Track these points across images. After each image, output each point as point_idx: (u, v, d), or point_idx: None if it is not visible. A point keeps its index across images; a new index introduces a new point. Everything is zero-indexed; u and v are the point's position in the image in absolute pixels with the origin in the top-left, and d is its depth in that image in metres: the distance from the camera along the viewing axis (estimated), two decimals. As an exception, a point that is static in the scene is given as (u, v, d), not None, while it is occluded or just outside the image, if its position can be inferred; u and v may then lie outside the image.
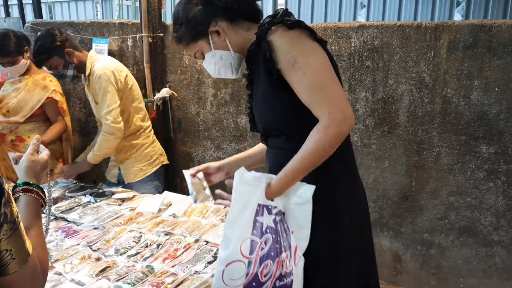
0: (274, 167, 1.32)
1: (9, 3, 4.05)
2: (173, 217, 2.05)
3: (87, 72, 2.37)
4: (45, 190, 1.17)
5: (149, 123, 2.61)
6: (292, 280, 1.18)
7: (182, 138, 3.11)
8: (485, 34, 2.23)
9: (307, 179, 1.22)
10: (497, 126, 2.30)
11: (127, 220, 2.00)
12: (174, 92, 2.97)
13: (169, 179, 2.91)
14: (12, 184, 1.09)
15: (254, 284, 1.12)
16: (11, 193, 0.76)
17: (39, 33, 2.51)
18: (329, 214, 1.28)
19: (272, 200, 1.24)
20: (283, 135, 1.30)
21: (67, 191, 2.37)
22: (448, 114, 2.38)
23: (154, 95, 2.89)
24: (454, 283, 2.56)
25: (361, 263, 1.36)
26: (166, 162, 2.71)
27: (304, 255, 1.25)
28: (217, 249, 1.71)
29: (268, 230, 1.17)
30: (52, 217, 2.06)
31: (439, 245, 2.55)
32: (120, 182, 2.61)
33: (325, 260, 1.28)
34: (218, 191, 1.47)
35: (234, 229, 1.16)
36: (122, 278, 1.51)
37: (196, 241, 1.78)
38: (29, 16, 4.20)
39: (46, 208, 1.28)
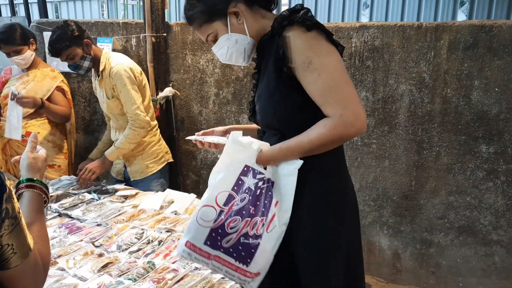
0: None
1: (15, 2, 4.09)
2: (175, 214, 2.07)
3: (101, 68, 2.38)
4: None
5: (155, 122, 2.65)
6: (259, 243, 1.21)
7: (185, 136, 3.13)
8: (485, 35, 2.25)
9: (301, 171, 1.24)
10: (497, 126, 2.31)
11: (129, 217, 2.03)
12: (177, 91, 3.00)
13: (172, 177, 2.94)
14: (17, 181, 1.11)
15: (219, 231, 1.20)
16: (12, 190, 0.78)
17: (51, 29, 2.52)
18: (322, 206, 1.29)
19: (263, 167, 1.27)
20: (279, 133, 1.31)
21: (71, 188, 2.41)
22: (448, 114, 2.39)
23: (157, 94, 2.93)
24: (453, 282, 2.57)
25: (349, 256, 1.36)
26: (171, 159, 2.74)
27: (295, 249, 1.28)
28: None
29: (247, 191, 1.22)
30: (55, 214, 2.10)
31: (439, 244, 2.56)
32: (126, 180, 2.63)
33: (316, 255, 1.29)
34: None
35: (216, 179, 1.23)
36: (123, 274, 1.54)
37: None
38: (35, 15, 4.24)
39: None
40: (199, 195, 1.71)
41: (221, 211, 1.20)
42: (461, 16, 6.19)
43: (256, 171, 1.24)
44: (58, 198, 2.26)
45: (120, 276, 1.53)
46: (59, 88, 2.80)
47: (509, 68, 2.23)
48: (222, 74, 2.88)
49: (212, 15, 1.29)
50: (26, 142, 2.77)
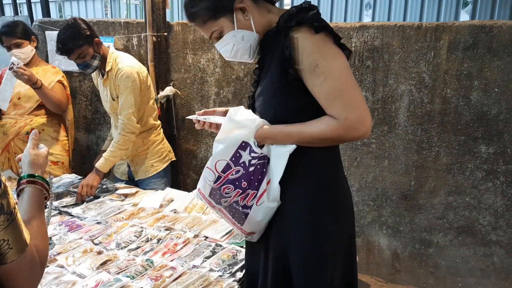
0: None
1: (18, 1, 4.11)
2: (174, 212, 2.09)
3: (108, 68, 2.37)
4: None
5: (159, 121, 2.66)
6: (248, 213, 1.29)
7: (186, 135, 3.15)
8: (485, 35, 2.25)
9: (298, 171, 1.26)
10: (497, 126, 2.31)
11: (129, 215, 2.05)
12: (177, 91, 3.01)
13: (173, 176, 2.95)
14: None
15: (218, 192, 1.29)
16: (7, 186, 0.79)
17: (54, 28, 2.51)
18: (320, 201, 1.29)
19: (261, 144, 1.28)
20: None
21: (71, 187, 2.42)
22: (448, 114, 2.39)
23: (158, 94, 2.94)
24: (452, 282, 2.57)
25: (346, 254, 1.36)
26: (174, 158, 2.76)
27: (285, 249, 1.30)
28: (216, 245, 1.75)
29: (242, 165, 1.26)
30: (56, 211, 2.12)
31: (438, 244, 2.57)
32: (130, 179, 2.63)
33: (310, 255, 1.28)
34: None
35: (217, 148, 1.28)
36: (122, 271, 1.55)
37: (196, 236, 1.82)
38: (38, 15, 4.26)
39: (49, 201, 1.33)
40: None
41: (219, 177, 1.27)
42: (464, 17, 6.16)
43: (251, 147, 1.26)
44: (59, 196, 2.28)
45: (118, 273, 1.54)
46: (59, 82, 2.83)
47: (509, 68, 2.23)
48: (223, 74, 2.89)
49: (217, 11, 1.24)
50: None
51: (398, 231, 2.66)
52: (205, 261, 1.63)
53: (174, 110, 3.07)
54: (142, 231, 1.88)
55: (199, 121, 1.41)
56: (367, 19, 6.74)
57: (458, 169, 2.44)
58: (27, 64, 2.74)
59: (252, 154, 1.26)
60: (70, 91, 2.97)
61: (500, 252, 2.43)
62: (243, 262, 1.58)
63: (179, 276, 1.53)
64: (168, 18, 2.99)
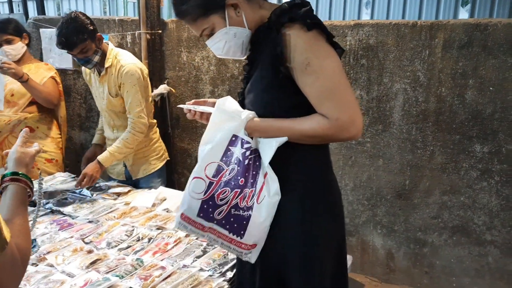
0: None
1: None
2: (167, 212, 2.08)
3: (107, 64, 2.32)
4: (37, 183, 1.20)
5: (155, 120, 2.64)
6: (250, 215, 1.21)
7: (180, 134, 3.14)
8: (480, 33, 2.23)
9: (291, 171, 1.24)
10: (491, 125, 2.30)
11: (121, 214, 2.04)
12: (172, 89, 3.00)
13: (167, 175, 2.94)
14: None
15: (210, 203, 1.20)
16: None
17: (48, 25, 2.48)
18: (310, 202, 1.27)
19: (250, 136, 1.24)
20: None
21: (64, 185, 2.41)
22: (443, 113, 2.38)
23: (152, 91, 2.92)
24: (447, 282, 2.56)
25: (337, 253, 1.35)
26: (168, 158, 2.74)
27: (277, 250, 1.28)
28: (207, 244, 1.74)
29: (235, 161, 1.21)
30: (48, 210, 2.11)
31: (432, 244, 2.56)
32: (127, 179, 2.59)
33: (301, 255, 1.27)
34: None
35: (204, 151, 1.22)
36: (111, 271, 1.54)
37: (187, 235, 1.81)
38: (33, 13, 4.25)
39: (37, 200, 1.32)
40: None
41: (211, 183, 1.20)
42: (464, 15, 6.13)
43: (243, 140, 1.22)
44: (51, 195, 2.26)
45: (107, 272, 1.53)
46: (52, 78, 2.81)
47: (504, 67, 2.21)
48: (217, 72, 2.87)
49: (208, 8, 1.21)
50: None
51: (393, 231, 2.65)
52: (196, 260, 1.62)
53: (169, 109, 3.06)
54: (133, 230, 1.87)
55: (190, 110, 1.38)
56: (366, 18, 6.72)
57: (453, 169, 2.42)
58: (18, 61, 2.71)
59: (245, 146, 1.22)
60: (64, 89, 2.96)
61: (494, 252, 2.42)
62: (234, 261, 1.57)
63: (169, 276, 1.52)
64: (163, 16, 2.98)
